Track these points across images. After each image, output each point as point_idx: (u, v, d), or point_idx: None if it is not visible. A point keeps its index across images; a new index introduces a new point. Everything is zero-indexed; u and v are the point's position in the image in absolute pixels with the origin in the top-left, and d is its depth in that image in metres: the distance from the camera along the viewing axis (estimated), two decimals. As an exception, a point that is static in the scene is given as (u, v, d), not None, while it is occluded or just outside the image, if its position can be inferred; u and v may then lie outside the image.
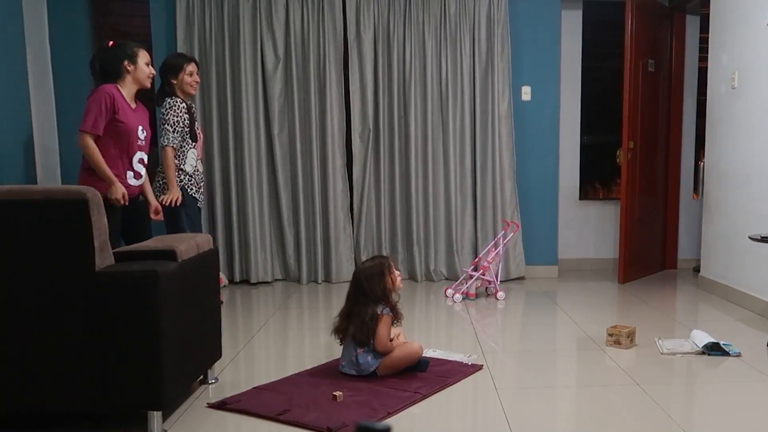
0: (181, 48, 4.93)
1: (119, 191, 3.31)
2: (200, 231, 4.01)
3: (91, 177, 3.31)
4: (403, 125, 5.20)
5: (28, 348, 2.21)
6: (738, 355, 3.23)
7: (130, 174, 3.46)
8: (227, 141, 5.07)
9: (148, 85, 3.50)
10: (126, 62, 3.41)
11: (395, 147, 5.21)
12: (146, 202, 3.70)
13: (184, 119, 3.97)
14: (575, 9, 5.52)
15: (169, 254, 2.40)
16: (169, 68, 4.00)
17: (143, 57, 3.47)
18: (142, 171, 3.55)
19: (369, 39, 5.11)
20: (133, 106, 3.47)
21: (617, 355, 3.27)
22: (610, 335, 3.40)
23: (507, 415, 2.51)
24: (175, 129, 3.92)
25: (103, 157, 3.31)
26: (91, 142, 3.28)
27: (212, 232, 5.10)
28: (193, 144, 4.05)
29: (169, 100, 3.95)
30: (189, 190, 4.03)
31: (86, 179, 3.30)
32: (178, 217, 3.98)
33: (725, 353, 3.23)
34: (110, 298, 2.21)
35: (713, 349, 3.25)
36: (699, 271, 5.09)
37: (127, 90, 3.44)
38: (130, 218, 3.52)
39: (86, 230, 2.19)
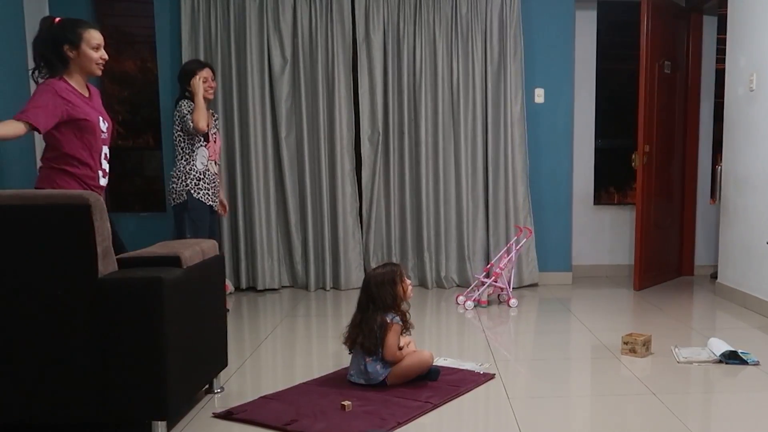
0: (185, 49, 4.91)
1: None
2: (207, 237, 3.95)
3: (57, 175, 2.88)
4: (414, 128, 5.15)
5: (30, 356, 2.19)
6: (756, 363, 3.19)
7: (100, 174, 3.00)
8: (233, 144, 5.04)
9: (98, 72, 2.94)
10: (66, 47, 2.83)
11: (405, 151, 5.16)
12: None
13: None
14: (589, 9, 5.46)
15: (174, 260, 2.38)
16: (184, 75, 4.06)
17: (90, 40, 2.87)
18: (107, 168, 3.07)
19: (378, 40, 5.07)
20: (86, 94, 2.97)
21: (632, 363, 3.23)
22: (626, 343, 3.36)
23: (520, 426, 2.47)
24: (182, 127, 3.98)
25: (73, 162, 2.88)
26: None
27: (217, 237, 5.05)
28: (205, 143, 4.07)
29: (180, 102, 4.02)
30: (195, 192, 4.00)
31: (50, 178, 2.87)
32: (182, 222, 3.97)
33: (743, 362, 3.19)
34: (113, 305, 2.18)
35: (731, 358, 3.21)
36: (716, 277, 5.03)
37: (76, 80, 2.92)
38: None
39: (89, 236, 2.16)
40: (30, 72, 2.94)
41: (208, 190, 4.08)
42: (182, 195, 3.99)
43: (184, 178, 3.99)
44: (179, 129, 4.01)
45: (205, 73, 4.06)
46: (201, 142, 4.04)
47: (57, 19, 2.90)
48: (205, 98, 4.07)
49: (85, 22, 2.95)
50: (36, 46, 2.88)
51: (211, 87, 4.12)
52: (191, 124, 3.92)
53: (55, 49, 2.84)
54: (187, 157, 4.01)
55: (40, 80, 2.88)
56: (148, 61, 5.48)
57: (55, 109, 2.77)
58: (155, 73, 5.09)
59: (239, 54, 4.98)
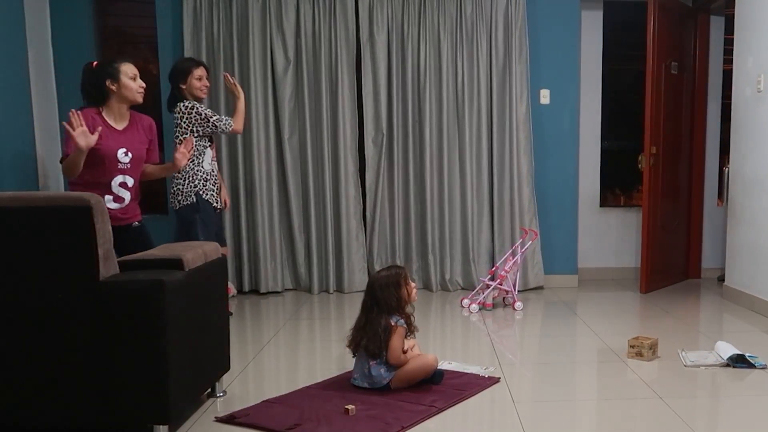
0: (188, 50, 4.88)
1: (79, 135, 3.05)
2: (214, 240, 3.90)
3: (79, 190, 3.17)
4: (418, 129, 5.12)
5: (30, 360, 2.18)
6: (764, 367, 3.17)
7: (108, 198, 3.29)
8: (235, 146, 5.02)
9: (140, 99, 3.34)
10: (108, 81, 3.25)
11: (409, 152, 5.13)
12: (143, 227, 3.53)
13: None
14: (595, 9, 5.43)
15: (176, 263, 2.36)
16: (177, 73, 3.99)
17: (126, 71, 3.28)
18: (126, 195, 3.36)
19: (382, 40, 5.04)
20: (121, 126, 3.32)
21: (639, 367, 3.20)
22: (632, 347, 3.35)
23: (525, 430, 2.46)
24: (202, 130, 3.95)
25: (79, 182, 3.20)
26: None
27: (222, 235, 5.03)
28: (210, 144, 4.05)
29: (181, 105, 3.93)
30: (204, 194, 3.97)
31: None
32: (192, 224, 3.92)
33: (751, 365, 3.18)
34: (115, 308, 2.17)
35: (738, 362, 3.19)
36: (723, 280, 5.00)
37: (113, 112, 3.29)
38: (128, 245, 3.23)
39: (90, 238, 2.15)
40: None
41: (213, 190, 4.05)
42: (191, 196, 3.93)
43: (192, 179, 3.94)
44: (189, 130, 3.91)
45: (200, 71, 4.00)
46: (208, 144, 4.01)
47: (94, 63, 3.39)
48: (197, 98, 4.02)
49: (120, 57, 3.37)
50: (83, 86, 3.33)
51: (206, 86, 4.05)
52: (228, 126, 3.98)
53: (98, 85, 3.26)
54: (194, 158, 3.96)
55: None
56: (149, 62, 5.46)
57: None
58: (156, 75, 5.06)
59: (242, 54, 4.96)
